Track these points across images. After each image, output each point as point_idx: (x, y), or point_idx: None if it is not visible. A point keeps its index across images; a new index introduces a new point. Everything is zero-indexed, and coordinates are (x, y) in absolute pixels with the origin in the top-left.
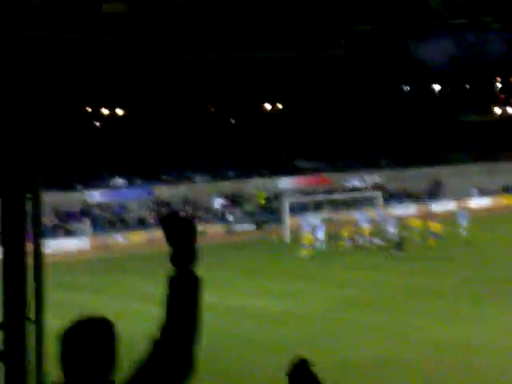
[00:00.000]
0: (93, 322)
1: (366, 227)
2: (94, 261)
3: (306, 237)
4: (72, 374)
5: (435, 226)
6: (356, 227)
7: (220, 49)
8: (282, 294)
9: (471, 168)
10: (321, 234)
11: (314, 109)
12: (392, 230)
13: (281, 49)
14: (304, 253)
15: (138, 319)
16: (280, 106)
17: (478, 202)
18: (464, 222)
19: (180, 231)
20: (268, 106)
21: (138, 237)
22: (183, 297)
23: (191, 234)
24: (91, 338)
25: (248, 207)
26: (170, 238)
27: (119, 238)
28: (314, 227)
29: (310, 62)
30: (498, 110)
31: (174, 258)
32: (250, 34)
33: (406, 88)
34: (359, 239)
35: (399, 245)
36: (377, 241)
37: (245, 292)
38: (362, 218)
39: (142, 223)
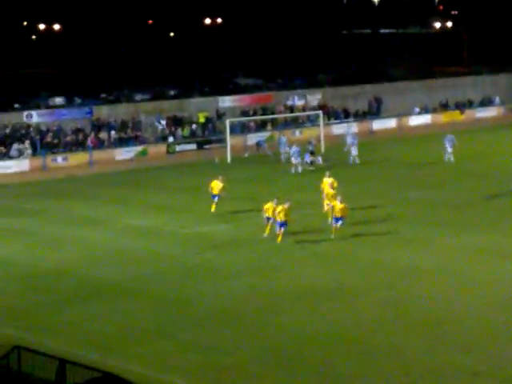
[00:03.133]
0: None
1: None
2: (33, 183)
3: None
4: None
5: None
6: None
7: None
8: (228, 218)
9: (410, 85)
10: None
11: (253, 24)
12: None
13: None
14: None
15: (79, 244)
16: (219, 21)
17: (418, 120)
18: (449, 147)
19: None
20: (207, 21)
21: (77, 158)
22: None
23: None
24: None
25: (189, 127)
26: None
27: (59, 160)
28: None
29: None
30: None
31: None
32: None
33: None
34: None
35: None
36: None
37: (185, 216)
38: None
39: (81, 145)
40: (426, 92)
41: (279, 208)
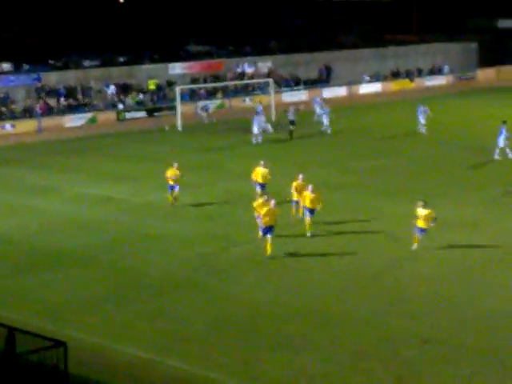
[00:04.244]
0: None
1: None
2: None
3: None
4: None
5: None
6: None
7: None
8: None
9: (361, 53)
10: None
11: None
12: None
13: None
14: None
15: (30, 212)
16: None
17: (368, 88)
18: (422, 119)
19: None
20: None
21: (26, 125)
22: None
23: None
24: None
25: (139, 94)
26: None
27: (7, 127)
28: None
29: None
30: None
31: None
32: None
33: None
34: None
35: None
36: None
37: (136, 184)
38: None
39: (29, 111)
40: (377, 60)
41: (265, 210)
